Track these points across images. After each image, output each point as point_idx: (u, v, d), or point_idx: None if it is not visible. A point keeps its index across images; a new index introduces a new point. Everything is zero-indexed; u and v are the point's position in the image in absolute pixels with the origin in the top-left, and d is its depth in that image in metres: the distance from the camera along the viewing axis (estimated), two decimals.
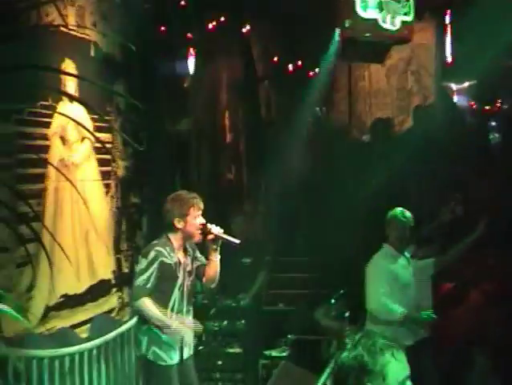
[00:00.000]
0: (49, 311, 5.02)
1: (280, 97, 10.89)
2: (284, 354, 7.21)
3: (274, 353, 7.28)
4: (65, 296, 5.21)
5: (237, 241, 4.77)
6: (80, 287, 5.45)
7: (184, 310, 4.79)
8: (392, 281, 5.39)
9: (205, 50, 7.81)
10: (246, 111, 9.65)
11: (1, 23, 1.53)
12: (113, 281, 5.99)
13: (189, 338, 4.82)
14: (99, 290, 5.74)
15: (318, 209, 9.04)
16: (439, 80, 11.23)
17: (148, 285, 4.61)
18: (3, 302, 4.29)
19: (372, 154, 8.79)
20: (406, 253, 5.61)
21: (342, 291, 6.13)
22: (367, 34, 7.55)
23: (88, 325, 5.54)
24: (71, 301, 5.30)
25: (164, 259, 4.65)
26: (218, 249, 4.78)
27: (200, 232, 4.72)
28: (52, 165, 4.89)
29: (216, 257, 4.81)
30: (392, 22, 7.28)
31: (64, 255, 5.21)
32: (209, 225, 4.73)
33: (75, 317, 5.37)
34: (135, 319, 6.06)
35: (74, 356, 5.21)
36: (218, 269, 4.87)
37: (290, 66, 10.33)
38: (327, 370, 5.03)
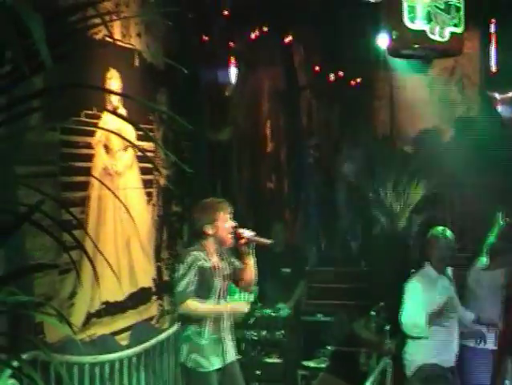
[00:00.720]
0: (90, 318, 5.08)
1: (321, 106, 10.87)
2: (323, 365, 7.18)
3: (312, 364, 7.25)
4: (106, 303, 5.26)
5: (269, 241, 4.80)
6: (121, 294, 5.50)
7: (224, 314, 4.77)
8: (429, 301, 5.28)
9: (247, 59, 7.84)
10: (287, 121, 9.64)
11: (57, 44, 1.56)
12: (153, 289, 6.03)
13: (230, 342, 4.80)
14: (139, 298, 5.78)
15: (360, 220, 9.00)
16: (483, 90, 11.10)
17: (189, 289, 4.59)
18: (46, 309, 4.36)
19: (416, 165, 8.71)
20: (449, 271, 5.49)
21: (382, 304, 6.08)
22: (415, 46, 7.47)
23: (128, 332, 5.58)
24: (112, 309, 5.35)
25: (202, 263, 4.65)
26: (252, 252, 4.79)
27: (231, 236, 4.73)
28: (94, 176, 4.94)
29: (251, 260, 4.81)
30: (440, 34, 7.18)
31: (106, 263, 5.30)
32: (240, 230, 4.74)
33: (115, 324, 5.41)
34: (174, 328, 6.12)
35: (114, 363, 5.25)
36: (254, 272, 4.86)
37: (332, 76, 10.31)
38: (367, 384, 4.97)
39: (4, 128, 2.17)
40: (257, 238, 4.76)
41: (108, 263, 4.27)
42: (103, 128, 5.15)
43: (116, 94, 5.24)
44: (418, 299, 5.26)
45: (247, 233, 4.73)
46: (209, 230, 4.70)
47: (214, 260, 4.74)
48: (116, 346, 5.38)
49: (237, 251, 4.93)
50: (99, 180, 4.93)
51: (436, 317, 5.20)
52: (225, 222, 4.71)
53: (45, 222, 3.26)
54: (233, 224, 4.75)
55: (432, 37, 7.11)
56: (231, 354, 4.82)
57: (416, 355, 5.30)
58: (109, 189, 4.65)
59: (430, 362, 5.20)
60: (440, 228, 5.47)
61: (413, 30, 7.11)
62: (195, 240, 4.84)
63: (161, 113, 6.04)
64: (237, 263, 4.91)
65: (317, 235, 9.04)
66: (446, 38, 7.17)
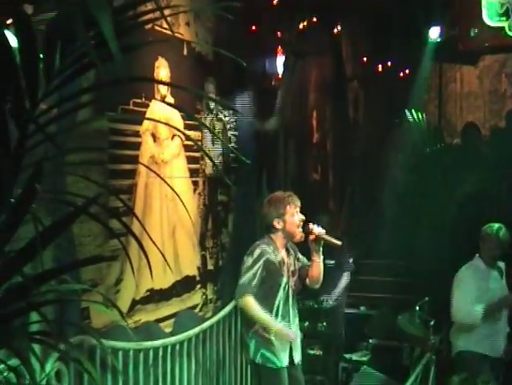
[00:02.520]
0: (135, 305, 5.13)
1: (369, 97, 10.78)
2: (365, 358, 7.16)
3: (354, 357, 7.24)
4: (151, 290, 5.31)
5: (339, 243, 4.70)
6: (166, 282, 5.54)
7: (291, 311, 4.74)
8: (481, 294, 5.24)
9: (295, 49, 7.80)
10: (334, 111, 9.59)
11: (118, 36, 1.58)
12: (198, 278, 6.06)
13: (298, 342, 4.78)
14: (183, 286, 5.81)
15: (407, 212, 8.91)
16: None
17: (254, 283, 4.53)
18: (93, 295, 4.42)
19: (464, 158, 8.59)
20: (500, 264, 5.43)
21: (426, 298, 6.01)
22: (494, 43, 7.36)
23: (172, 320, 5.62)
24: (157, 296, 5.40)
25: (270, 256, 4.61)
26: (321, 249, 4.71)
27: (301, 230, 4.68)
28: (142, 163, 4.98)
29: (319, 258, 4.73)
30: None
31: (152, 250, 5.35)
32: (310, 225, 4.67)
33: (159, 311, 5.46)
34: (218, 317, 6.15)
35: (158, 350, 5.30)
36: (322, 269, 4.80)
37: (380, 67, 10.22)
38: (411, 379, 4.93)
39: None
40: (327, 237, 4.67)
41: (158, 248, 4.35)
42: (151, 119, 5.18)
43: (164, 84, 5.25)
44: (471, 289, 5.22)
45: (317, 230, 4.65)
46: (278, 224, 4.67)
47: (282, 254, 4.71)
48: (160, 333, 5.43)
49: (304, 248, 4.88)
50: (148, 167, 4.95)
51: (496, 310, 5.18)
52: (293, 215, 4.66)
53: (93, 209, 3.30)
54: (302, 217, 4.70)
55: (510, 33, 6.98)
56: (298, 355, 4.80)
57: (459, 340, 5.29)
58: (160, 177, 4.64)
59: (471, 350, 5.19)
60: (496, 225, 5.38)
61: (493, 27, 6.98)
62: (264, 234, 4.79)
63: (209, 100, 6.03)
64: (304, 260, 4.87)
65: (362, 227, 8.97)
66: None
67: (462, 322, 5.28)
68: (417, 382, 5.17)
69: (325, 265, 7.29)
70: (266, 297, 4.62)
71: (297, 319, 4.82)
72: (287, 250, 4.78)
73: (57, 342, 2.12)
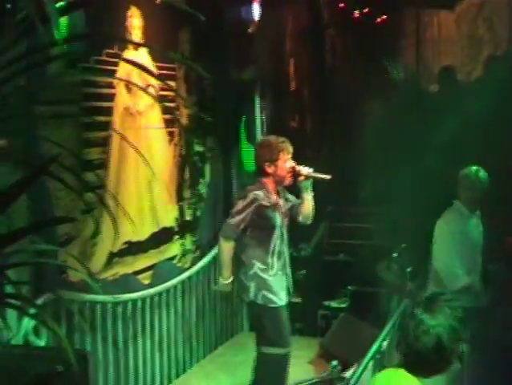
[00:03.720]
0: (112, 258, 5.11)
1: (346, 44, 10.66)
2: (343, 305, 7.22)
3: (333, 304, 7.30)
4: (128, 243, 5.29)
5: (329, 177, 4.82)
6: (143, 234, 5.52)
7: (285, 249, 4.92)
8: (464, 240, 5.18)
9: None
10: (311, 59, 9.48)
11: None
12: (175, 229, 6.05)
13: (290, 279, 4.99)
14: (161, 237, 5.81)
15: (384, 160, 8.90)
16: None
17: (241, 227, 4.73)
18: (70, 248, 4.40)
19: (441, 105, 8.55)
20: (477, 212, 5.37)
21: (404, 245, 6.04)
22: None
23: (150, 271, 5.62)
24: (134, 248, 5.38)
25: (262, 202, 4.75)
26: (311, 187, 4.87)
27: (290, 175, 4.78)
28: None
29: (309, 195, 4.90)
30: None
31: (128, 202, 5.31)
32: (297, 167, 4.80)
33: (137, 263, 5.45)
34: (196, 267, 6.16)
35: (136, 302, 5.31)
36: (312, 206, 4.97)
37: (357, 13, 10.08)
38: (388, 326, 4.98)
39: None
40: (315, 174, 4.83)
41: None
42: (128, 60, 5.08)
43: (140, 45, 5.17)
44: (454, 243, 5.15)
45: (306, 170, 4.81)
46: (269, 169, 4.78)
47: (274, 197, 4.83)
48: (139, 285, 5.43)
49: (293, 188, 5.02)
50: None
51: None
52: (285, 162, 4.79)
53: (68, 161, 3.26)
54: (293, 163, 4.81)
55: None
56: (292, 290, 5.03)
57: (434, 287, 5.32)
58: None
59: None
60: (474, 168, 5.23)
61: None
62: (257, 176, 4.91)
63: (181, 62, 5.95)
64: (294, 198, 5.01)
65: (341, 174, 8.95)
66: None
67: (445, 282, 5.21)
68: (395, 329, 5.22)
69: None
70: (262, 239, 4.81)
71: (289, 258, 5.02)
72: (278, 192, 4.90)
73: (24, 305, 2.11)
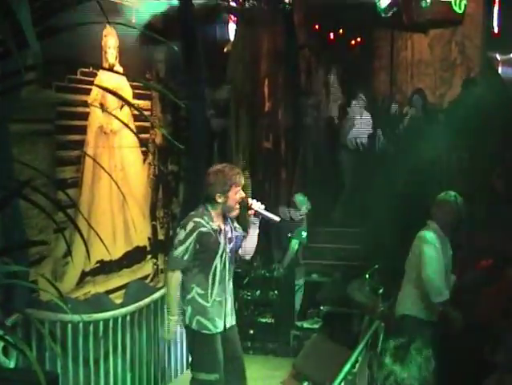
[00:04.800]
0: (85, 277, 5.08)
1: (320, 65, 10.76)
2: (316, 325, 7.24)
3: (306, 324, 7.32)
4: (101, 262, 5.27)
5: (278, 219, 4.75)
6: (116, 253, 5.50)
7: (227, 276, 4.78)
8: (442, 258, 5.26)
9: (246, 16, 7.72)
10: (286, 80, 9.54)
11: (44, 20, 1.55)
12: (148, 248, 6.04)
13: (229, 307, 4.83)
14: (134, 257, 5.79)
15: (357, 181, 8.97)
16: (484, 51, 10.98)
17: (186, 257, 4.61)
18: (41, 268, 4.37)
19: (415, 128, 8.64)
20: (449, 237, 5.43)
21: (376, 266, 6.08)
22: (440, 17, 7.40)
23: (123, 291, 5.59)
24: (107, 267, 5.36)
25: (203, 229, 4.63)
26: (258, 224, 4.78)
27: (238, 206, 4.71)
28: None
29: (255, 232, 4.81)
30: (459, 5, 7.15)
31: (101, 221, 5.30)
32: (250, 200, 4.72)
33: (110, 283, 5.43)
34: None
35: (108, 321, 5.28)
36: (255, 243, 4.88)
37: (332, 35, 10.20)
38: (361, 346, 5.00)
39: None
40: (265, 212, 4.72)
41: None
42: (100, 86, 5.11)
43: (110, 70, 5.19)
44: (438, 258, 5.20)
45: (257, 205, 4.71)
46: (220, 199, 4.68)
47: (218, 222, 4.72)
48: (111, 304, 5.40)
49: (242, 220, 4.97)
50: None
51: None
52: (236, 193, 4.69)
53: (41, 180, 3.25)
54: (243, 195, 4.74)
55: (455, 8, 7.04)
56: (232, 318, 4.86)
57: (406, 304, 5.36)
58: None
59: (414, 315, 5.27)
60: (453, 193, 5.36)
61: (442, 1, 7.03)
62: (203, 202, 4.77)
63: (153, 89, 5.96)
64: (240, 230, 4.91)
65: (314, 195, 9.00)
66: (463, 9, 7.13)
67: (431, 293, 5.23)
68: (367, 349, 5.24)
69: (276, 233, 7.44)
70: (203, 265, 4.67)
71: (231, 284, 4.87)
72: (225, 218, 4.80)
73: None
